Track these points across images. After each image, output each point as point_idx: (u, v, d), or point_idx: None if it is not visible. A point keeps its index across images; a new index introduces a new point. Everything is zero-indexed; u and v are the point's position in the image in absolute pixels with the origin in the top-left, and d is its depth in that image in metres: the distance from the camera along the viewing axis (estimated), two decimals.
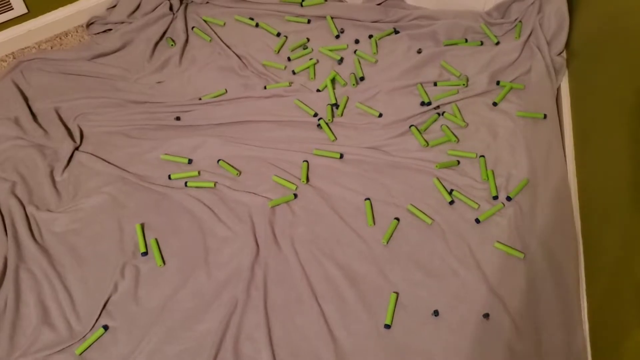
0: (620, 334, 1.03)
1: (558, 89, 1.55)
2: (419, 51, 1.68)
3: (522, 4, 1.69)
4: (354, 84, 1.60)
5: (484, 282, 1.26)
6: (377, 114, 1.54)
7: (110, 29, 1.74)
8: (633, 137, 1.09)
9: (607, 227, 1.16)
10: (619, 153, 1.15)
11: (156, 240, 1.32)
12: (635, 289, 1.00)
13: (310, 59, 1.67)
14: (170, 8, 1.76)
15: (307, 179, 1.42)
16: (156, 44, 1.69)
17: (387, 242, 1.32)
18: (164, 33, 1.71)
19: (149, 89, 1.59)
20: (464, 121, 1.51)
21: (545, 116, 1.47)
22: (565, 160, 1.41)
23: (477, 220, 1.34)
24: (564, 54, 1.61)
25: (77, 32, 1.75)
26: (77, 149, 1.47)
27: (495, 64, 1.60)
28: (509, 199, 1.37)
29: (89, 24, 1.75)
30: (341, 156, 1.46)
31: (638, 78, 1.13)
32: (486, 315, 1.21)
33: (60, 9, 1.73)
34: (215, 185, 1.40)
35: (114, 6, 1.76)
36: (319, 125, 1.52)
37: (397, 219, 1.36)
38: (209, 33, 1.71)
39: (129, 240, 1.32)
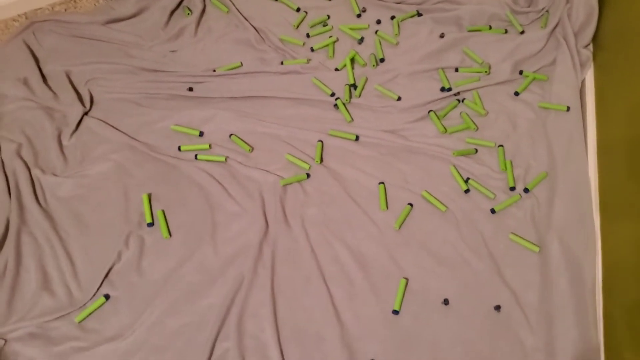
0: (635, 336, 1.00)
1: (582, 82, 1.51)
2: (442, 35, 1.63)
3: None
4: (373, 65, 1.56)
5: (497, 274, 1.23)
6: (396, 97, 1.49)
7: None
8: None
9: (627, 225, 1.13)
10: None
11: (163, 211, 1.28)
12: None
13: (330, 37, 1.62)
14: None
15: (321, 160, 1.39)
16: (172, 12, 1.64)
17: (399, 228, 1.29)
18: (181, 1, 1.67)
19: (162, 58, 1.55)
20: (484, 109, 1.47)
21: (568, 109, 1.42)
22: (587, 155, 1.37)
23: (493, 211, 1.31)
24: (591, 47, 1.56)
25: None
26: (86, 114, 1.43)
27: (519, 53, 1.56)
28: (526, 190, 1.33)
29: None
30: (357, 138, 1.42)
31: None
32: (497, 307, 1.18)
33: None
34: (226, 159, 1.36)
35: None
36: (335, 105, 1.48)
37: (411, 204, 1.32)
38: (226, 4, 1.67)
39: (134, 210, 1.29)
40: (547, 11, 1.64)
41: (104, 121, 1.42)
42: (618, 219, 1.18)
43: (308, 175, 1.36)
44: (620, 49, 1.38)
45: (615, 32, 1.45)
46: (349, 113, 1.47)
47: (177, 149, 1.38)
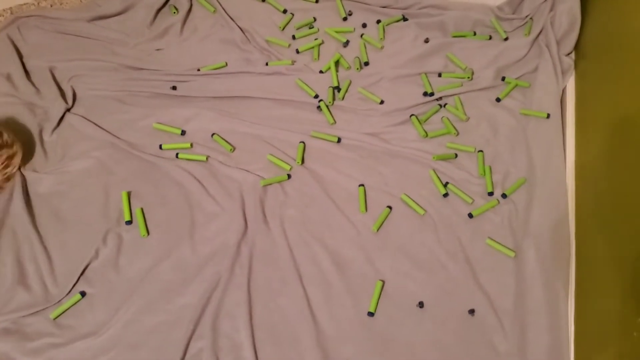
0: (603, 342, 1.01)
1: (563, 90, 1.52)
2: (426, 40, 1.64)
3: (535, 0, 1.65)
4: (357, 68, 1.57)
5: (472, 278, 1.24)
6: (379, 101, 1.50)
7: None
8: (634, 143, 1.07)
9: (601, 233, 1.14)
10: (618, 158, 1.13)
11: (142, 209, 1.29)
12: (622, 297, 0.98)
13: (316, 39, 1.63)
14: None
15: (303, 161, 1.39)
16: (158, 10, 1.64)
17: (378, 230, 1.30)
18: (168, 0, 1.67)
19: (147, 56, 1.55)
20: (466, 115, 1.48)
21: (548, 116, 1.44)
22: (565, 163, 1.38)
23: (470, 215, 1.32)
24: (573, 55, 1.57)
25: None
26: (68, 110, 1.43)
27: (502, 59, 1.57)
28: (504, 196, 1.35)
29: None
30: (339, 140, 1.43)
31: None
32: (472, 311, 1.19)
33: None
34: (207, 159, 1.37)
35: None
36: (319, 107, 1.49)
37: (390, 207, 1.33)
38: (213, 4, 1.67)
39: (113, 207, 1.29)
40: (531, 19, 1.66)
41: (86, 118, 1.41)
42: (592, 227, 1.20)
43: (289, 176, 1.36)
44: (601, 58, 1.40)
45: (596, 41, 1.47)
46: (332, 115, 1.48)
47: (158, 147, 1.39)
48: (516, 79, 1.55)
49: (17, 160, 1.27)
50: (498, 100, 1.51)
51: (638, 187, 1.02)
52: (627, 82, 1.19)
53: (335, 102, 1.50)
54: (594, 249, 1.16)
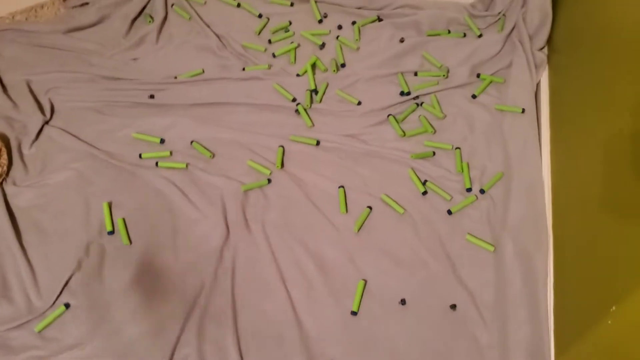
0: (581, 331, 1.03)
1: (538, 84, 1.55)
2: (402, 40, 1.66)
3: None
4: (334, 70, 1.58)
5: (453, 274, 1.26)
6: (356, 102, 1.52)
7: (87, 3, 1.68)
8: (606, 135, 1.09)
9: (576, 224, 1.17)
10: (592, 150, 1.15)
11: (123, 219, 1.29)
12: (597, 287, 1.00)
13: (292, 43, 1.64)
14: None
15: (282, 165, 1.40)
16: (134, 20, 1.64)
17: (359, 230, 1.31)
18: (143, 9, 1.67)
19: (124, 66, 1.55)
20: (442, 112, 1.50)
21: (523, 111, 1.46)
22: (541, 156, 1.40)
23: (449, 212, 1.34)
24: (545, 50, 1.60)
25: (53, 4, 1.69)
26: (47, 123, 1.43)
27: (477, 56, 1.59)
28: (482, 191, 1.37)
29: None
30: (317, 143, 1.44)
31: (614, 75, 1.12)
32: (453, 306, 1.21)
33: None
34: (187, 166, 1.37)
35: None
36: (297, 110, 1.50)
37: (370, 207, 1.35)
38: (188, 11, 1.67)
39: (95, 218, 1.29)
40: (503, 15, 1.68)
41: (64, 130, 1.41)
42: (569, 219, 1.22)
43: (269, 181, 1.37)
44: (573, 52, 1.42)
45: (568, 35, 1.49)
46: (310, 118, 1.49)
47: (138, 156, 1.39)
48: (491, 75, 1.57)
49: (3, 160, 1.28)
50: (474, 96, 1.53)
51: (612, 178, 1.04)
52: (599, 74, 1.21)
53: (313, 105, 1.51)
54: (571, 241, 1.18)
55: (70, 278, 1.21)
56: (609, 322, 0.94)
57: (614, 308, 0.92)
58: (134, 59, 1.58)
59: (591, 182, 1.13)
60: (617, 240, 0.96)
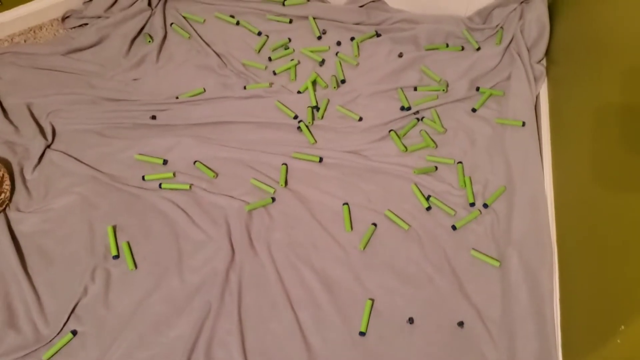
0: (592, 344, 1.03)
1: (537, 97, 1.56)
2: (400, 55, 1.67)
3: (504, 10, 1.68)
4: (334, 87, 1.59)
5: (459, 290, 1.26)
6: (358, 118, 1.52)
7: (86, 24, 1.70)
8: (609, 146, 1.10)
9: (581, 238, 1.17)
10: (595, 162, 1.16)
11: (128, 243, 1.29)
12: (605, 304, 1.00)
13: (292, 60, 1.65)
14: (149, 3, 1.72)
15: (286, 183, 1.40)
16: (133, 40, 1.65)
17: (364, 248, 1.31)
18: (142, 29, 1.68)
19: (125, 86, 1.55)
20: (443, 127, 1.51)
21: (523, 124, 1.47)
22: (543, 169, 1.41)
23: (454, 227, 1.34)
24: (544, 62, 1.61)
25: (52, 25, 1.70)
26: (48, 146, 1.43)
27: (476, 69, 1.60)
28: (485, 206, 1.37)
29: (64, 18, 1.71)
30: (320, 160, 1.44)
31: (614, 87, 1.13)
32: (461, 324, 1.21)
33: (35, 1, 1.68)
34: (190, 187, 1.37)
35: (91, 0, 1.72)
36: (299, 127, 1.50)
37: (375, 224, 1.35)
38: (188, 30, 1.68)
39: (100, 243, 1.29)
40: (501, 28, 1.69)
41: (66, 153, 1.41)
42: (573, 233, 1.22)
43: (273, 199, 1.37)
44: (571, 63, 1.43)
45: (566, 46, 1.50)
46: (312, 135, 1.49)
47: (141, 178, 1.39)
48: (490, 88, 1.58)
49: (5, 186, 1.28)
50: (474, 110, 1.54)
51: (616, 189, 1.05)
52: (597, 85, 1.22)
53: (315, 122, 1.52)
54: (576, 256, 1.19)
55: (76, 304, 1.21)
56: (618, 341, 0.94)
57: (622, 327, 0.92)
58: (135, 79, 1.58)
59: (595, 193, 1.14)
60: (624, 257, 0.97)
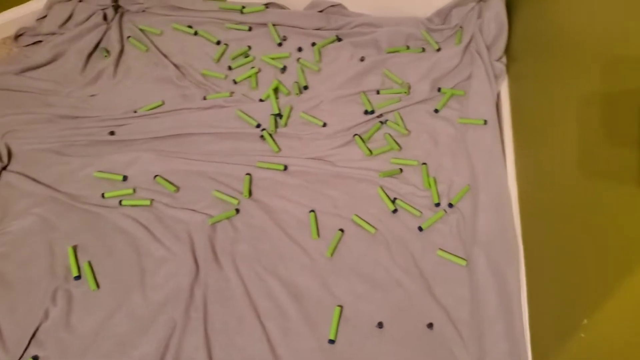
0: (559, 340, 1.03)
1: (498, 95, 1.56)
2: (362, 59, 1.66)
3: (462, 9, 1.69)
4: (297, 93, 1.58)
5: (428, 292, 1.25)
6: (321, 124, 1.51)
7: (40, 41, 1.66)
8: (570, 141, 1.10)
9: (545, 233, 1.17)
10: (557, 157, 1.16)
11: (89, 262, 1.26)
12: (569, 299, 1.00)
13: (252, 68, 1.63)
14: (105, 17, 1.70)
15: (250, 193, 1.39)
16: (89, 55, 1.62)
17: (332, 255, 1.30)
18: (98, 44, 1.65)
19: (82, 103, 1.52)
20: (406, 129, 1.50)
21: (485, 122, 1.47)
22: (506, 166, 1.41)
23: (420, 228, 1.33)
24: (504, 59, 1.61)
25: (4, 44, 1.67)
26: (4, 168, 1.39)
27: (437, 70, 1.60)
28: (450, 205, 1.37)
29: (17, 36, 1.67)
30: (285, 168, 1.43)
31: (573, 81, 1.13)
32: (430, 325, 1.20)
33: None
34: (151, 202, 1.35)
35: (44, 17, 1.69)
36: (262, 136, 1.49)
37: (342, 230, 1.34)
38: (145, 42, 1.66)
39: (60, 264, 1.26)
40: (460, 27, 1.69)
41: (23, 174, 1.38)
42: (538, 229, 1.22)
43: (237, 211, 1.35)
44: (530, 60, 1.44)
45: (524, 43, 1.51)
46: (276, 143, 1.48)
47: (100, 196, 1.36)
48: (451, 88, 1.58)
49: None
50: (436, 111, 1.54)
51: (578, 183, 1.05)
52: (557, 80, 1.22)
53: (278, 130, 1.50)
54: (541, 251, 1.19)
55: (37, 329, 1.17)
56: (582, 335, 0.93)
57: (585, 321, 0.92)
58: (92, 95, 1.55)
59: (557, 189, 1.14)
60: (586, 250, 0.97)
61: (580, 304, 0.95)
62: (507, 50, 1.61)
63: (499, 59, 1.60)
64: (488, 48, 1.60)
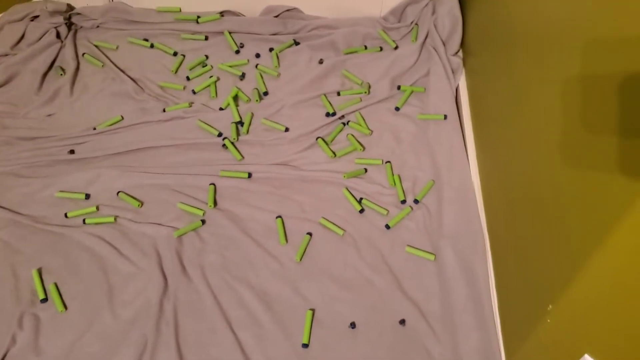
0: (527, 327, 1.05)
1: (457, 89, 1.58)
2: (321, 61, 1.67)
3: (416, 6, 1.71)
4: (257, 100, 1.57)
5: (398, 288, 1.26)
6: (284, 129, 1.51)
7: None
8: (528, 130, 1.12)
9: (508, 223, 1.19)
10: (516, 146, 1.18)
11: (55, 284, 1.24)
12: (534, 286, 1.02)
13: (211, 77, 1.63)
14: (58, 35, 1.68)
15: (215, 203, 1.38)
16: (44, 74, 1.60)
17: (301, 259, 1.30)
18: (53, 62, 1.63)
19: (39, 123, 1.50)
20: (369, 129, 1.51)
21: (445, 117, 1.49)
22: (468, 159, 1.43)
23: (387, 226, 1.34)
24: (460, 54, 1.64)
25: None
26: None
27: (395, 68, 1.61)
28: (416, 202, 1.38)
29: None
30: (249, 175, 1.42)
31: (528, 72, 1.15)
32: (402, 322, 1.21)
33: None
34: (115, 219, 1.33)
35: None
36: (224, 145, 1.48)
37: (310, 234, 1.34)
38: (100, 58, 1.64)
39: (25, 288, 1.23)
40: (416, 24, 1.71)
41: None
42: (501, 219, 1.24)
43: (203, 222, 1.35)
44: (486, 53, 1.46)
45: (479, 37, 1.53)
46: (239, 151, 1.47)
47: (63, 216, 1.34)
48: (411, 85, 1.60)
49: None
50: (397, 109, 1.55)
51: (537, 171, 1.06)
52: (512, 72, 1.24)
53: (240, 137, 1.50)
54: (505, 241, 1.20)
55: (5, 355, 1.15)
56: (548, 320, 0.95)
57: (550, 307, 0.93)
58: (49, 115, 1.53)
59: (517, 178, 1.15)
60: (547, 236, 0.98)
61: (545, 290, 0.97)
62: (463, 45, 1.63)
63: (455, 54, 1.62)
64: (444, 43, 1.62)
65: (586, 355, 0.86)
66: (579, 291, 0.85)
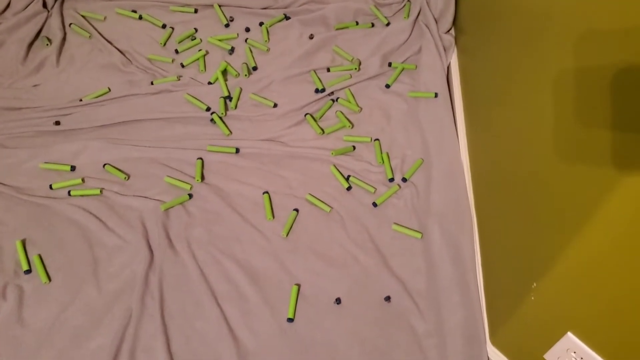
0: (512, 305, 1.06)
1: (448, 67, 1.57)
2: (311, 37, 1.65)
3: None
4: (246, 75, 1.56)
5: (384, 265, 1.26)
6: (272, 104, 1.50)
7: None
8: (519, 110, 1.11)
9: (496, 202, 1.19)
10: (506, 126, 1.18)
11: (39, 255, 1.23)
12: (519, 264, 1.02)
13: (200, 50, 1.60)
14: (44, 5, 1.64)
15: (202, 177, 1.37)
16: (30, 44, 1.57)
17: (287, 235, 1.30)
18: (39, 32, 1.60)
19: (25, 94, 1.47)
20: (358, 106, 1.50)
21: (436, 95, 1.48)
22: (458, 138, 1.42)
23: (375, 204, 1.34)
24: (453, 32, 1.62)
25: None
26: None
27: (387, 45, 1.60)
28: (404, 180, 1.38)
29: None
30: (237, 150, 1.41)
31: (520, 51, 1.14)
32: (387, 298, 1.21)
33: None
34: (101, 191, 1.32)
35: None
36: (212, 119, 1.47)
37: (297, 210, 1.33)
38: (88, 29, 1.61)
39: (9, 259, 1.23)
40: (408, 1, 1.69)
41: None
42: (489, 198, 1.24)
43: (190, 196, 1.34)
44: (478, 31, 1.45)
45: (472, 15, 1.51)
46: (227, 126, 1.46)
47: (48, 187, 1.33)
48: (402, 62, 1.59)
49: None
50: (387, 86, 1.54)
51: (526, 152, 1.06)
52: (504, 52, 1.23)
53: (228, 112, 1.48)
54: (492, 220, 1.21)
55: None
56: (532, 298, 0.96)
57: (535, 285, 0.94)
58: (35, 85, 1.50)
59: (506, 159, 1.15)
60: (531, 217, 0.99)
61: (530, 269, 0.97)
62: (455, 23, 1.62)
63: (447, 32, 1.61)
64: (436, 21, 1.61)
65: (569, 333, 0.87)
66: (563, 269, 0.86)
